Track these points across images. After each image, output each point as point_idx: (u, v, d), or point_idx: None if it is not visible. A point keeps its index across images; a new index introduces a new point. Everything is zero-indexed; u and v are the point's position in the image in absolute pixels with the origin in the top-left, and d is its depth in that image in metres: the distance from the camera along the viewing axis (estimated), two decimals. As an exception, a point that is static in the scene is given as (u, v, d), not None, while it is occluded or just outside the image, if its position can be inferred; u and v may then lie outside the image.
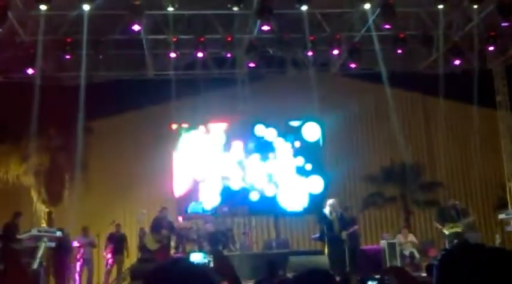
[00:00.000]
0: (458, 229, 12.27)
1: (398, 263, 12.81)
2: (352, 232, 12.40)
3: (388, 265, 12.72)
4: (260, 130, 15.97)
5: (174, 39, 14.00)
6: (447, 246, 12.14)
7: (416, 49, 15.24)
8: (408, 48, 14.81)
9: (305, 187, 15.79)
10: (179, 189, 15.37)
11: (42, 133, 14.88)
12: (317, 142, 16.14)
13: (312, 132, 16.18)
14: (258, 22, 13.21)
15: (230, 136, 15.80)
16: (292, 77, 16.64)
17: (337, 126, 17.80)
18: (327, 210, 12.28)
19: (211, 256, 11.47)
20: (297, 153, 15.97)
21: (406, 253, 13.48)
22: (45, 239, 10.81)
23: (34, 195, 15.88)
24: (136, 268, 12.44)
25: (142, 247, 13.10)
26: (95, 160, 16.17)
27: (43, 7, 11.65)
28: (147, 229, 13.10)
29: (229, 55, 15.17)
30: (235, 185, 15.48)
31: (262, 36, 14.34)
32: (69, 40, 13.44)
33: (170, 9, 12.73)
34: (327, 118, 16.51)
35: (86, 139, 15.24)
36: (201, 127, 15.83)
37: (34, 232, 10.99)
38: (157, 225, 12.57)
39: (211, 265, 10.74)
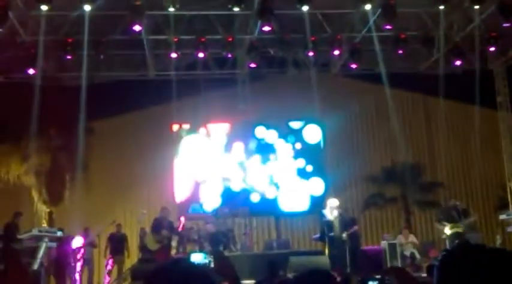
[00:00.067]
0: (459, 230, 12.26)
1: (399, 263, 12.80)
2: (352, 233, 12.39)
3: (388, 265, 12.71)
4: (261, 132, 15.94)
5: (175, 40, 13.99)
6: (448, 247, 12.13)
7: (417, 49, 15.23)
8: (409, 49, 14.80)
9: (306, 189, 15.75)
10: (180, 194, 15.32)
11: (43, 133, 14.89)
12: (318, 144, 16.09)
13: (312, 134, 16.13)
14: (259, 22, 13.21)
15: (231, 138, 15.77)
16: (293, 77, 16.64)
17: (337, 127, 17.79)
18: (327, 211, 12.28)
19: (212, 256, 11.46)
20: (297, 154, 15.93)
21: (407, 253, 13.48)
22: (46, 239, 10.81)
23: (35, 195, 15.90)
24: (137, 268, 12.43)
25: (142, 247, 13.10)
26: (96, 160, 16.18)
27: (44, 7, 11.65)
28: (147, 229, 13.10)
29: (230, 55, 15.17)
30: (236, 186, 15.46)
31: (263, 37, 14.34)
32: (70, 40, 13.45)
33: (171, 9, 12.73)
34: (328, 119, 16.49)
35: (87, 140, 15.26)
36: (202, 130, 15.77)
37: (35, 232, 10.97)
38: (158, 225, 12.56)
39: (212, 265, 10.75)
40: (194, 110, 16.33)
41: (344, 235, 11.96)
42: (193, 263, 1.82)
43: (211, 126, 15.86)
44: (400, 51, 14.54)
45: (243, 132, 15.95)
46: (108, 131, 17.01)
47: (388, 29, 13.65)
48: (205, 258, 11.58)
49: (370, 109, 19.40)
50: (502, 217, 14.24)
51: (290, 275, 9.18)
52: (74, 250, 13.16)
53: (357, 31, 14.50)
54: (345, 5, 13.58)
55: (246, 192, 15.36)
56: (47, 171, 15.81)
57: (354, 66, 15.54)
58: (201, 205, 15.27)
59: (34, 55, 13.21)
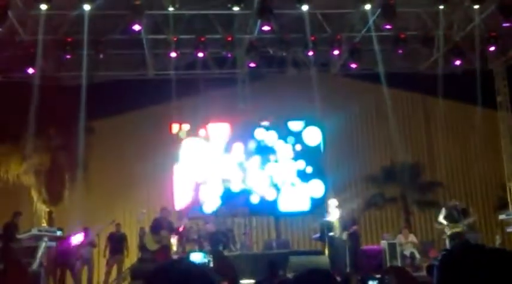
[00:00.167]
0: (459, 230, 12.27)
1: (398, 263, 12.80)
2: (352, 232, 12.40)
3: (388, 265, 12.72)
4: (260, 133, 15.91)
5: (175, 39, 13.99)
6: (448, 246, 12.13)
7: (416, 49, 15.23)
8: (409, 49, 14.80)
9: (306, 191, 15.73)
10: (180, 201, 15.27)
11: (42, 132, 14.88)
12: (318, 146, 16.06)
13: (312, 136, 16.10)
14: (259, 22, 13.21)
15: (231, 138, 15.75)
16: (293, 77, 16.64)
17: (337, 126, 17.78)
18: (329, 211, 12.32)
19: (211, 256, 11.47)
20: (297, 156, 15.91)
21: (407, 253, 13.48)
22: (46, 239, 10.81)
23: (34, 194, 15.89)
24: (136, 267, 12.43)
25: (142, 247, 13.10)
26: (95, 159, 16.18)
27: (43, 6, 11.65)
28: (147, 229, 13.10)
29: (229, 55, 15.17)
30: (236, 187, 15.44)
31: (263, 36, 14.34)
32: (69, 40, 13.44)
33: (170, 9, 12.72)
34: (327, 119, 16.48)
35: (87, 139, 15.26)
36: (201, 131, 15.73)
37: (34, 231, 10.98)
38: (157, 226, 12.55)
39: (211, 265, 10.75)
40: (194, 109, 16.32)
41: (344, 234, 11.97)
42: (193, 263, 1.81)
43: (211, 127, 15.85)
44: (400, 51, 14.54)
45: (242, 132, 15.93)
46: (107, 131, 17.01)
47: (387, 28, 13.65)
48: (204, 258, 11.58)
49: (370, 109, 19.40)
50: (502, 217, 14.26)
51: (290, 275, 9.17)
52: (74, 247, 13.17)
53: (356, 31, 14.51)
54: (345, 4, 13.58)
55: (245, 193, 15.34)
56: (46, 171, 15.81)
57: (353, 65, 15.53)
58: (200, 207, 15.25)
59: (33, 54, 13.19)
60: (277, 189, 15.63)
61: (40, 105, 13.38)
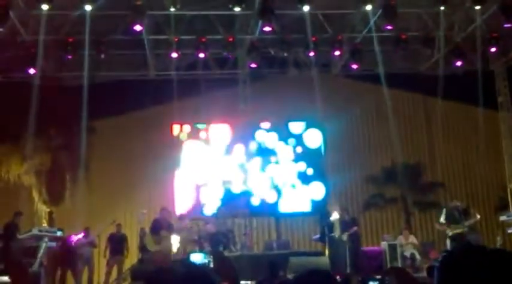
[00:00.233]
0: (460, 231, 12.25)
1: (399, 264, 12.79)
2: (352, 233, 12.40)
3: (388, 266, 12.71)
4: (261, 135, 15.89)
5: (176, 40, 14.00)
6: (449, 247, 12.12)
7: (417, 50, 15.23)
8: (410, 49, 14.80)
9: (307, 193, 15.70)
10: (181, 206, 15.24)
11: (43, 133, 14.89)
12: (319, 149, 16.03)
13: (313, 138, 16.07)
14: (260, 22, 13.21)
15: (232, 140, 15.72)
16: (294, 78, 16.65)
17: (338, 127, 17.77)
18: (330, 212, 12.33)
19: (212, 256, 11.46)
20: (298, 158, 15.88)
21: (407, 254, 13.46)
22: (46, 239, 10.82)
23: (35, 194, 15.90)
24: (137, 268, 12.44)
25: (142, 248, 13.08)
26: (96, 160, 16.18)
27: (45, 7, 11.67)
28: (147, 230, 13.09)
29: (230, 55, 15.17)
30: (237, 189, 15.42)
31: (264, 37, 14.35)
32: (70, 40, 13.46)
33: (172, 9, 12.73)
34: (328, 119, 16.48)
35: (88, 139, 15.26)
36: (202, 133, 15.69)
37: (35, 231, 11.00)
38: (157, 226, 12.53)
39: (211, 265, 10.74)
40: (195, 110, 16.32)
41: (344, 235, 11.96)
42: (193, 263, 1.81)
43: (212, 128, 15.82)
44: (401, 52, 14.54)
45: (243, 133, 15.90)
46: (108, 131, 17.01)
47: (388, 29, 13.65)
48: (205, 258, 11.58)
49: (371, 110, 19.38)
50: (503, 218, 14.24)
51: (290, 276, 9.17)
52: (75, 248, 13.18)
53: (357, 31, 14.51)
54: (346, 5, 13.59)
55: (246, 195, 15.30)
56: (47, 171, 15.82)
57: (354, 66, 15.54)
58: (201, 209, 15.23)
59: (34, 54, 13.20)
60: (278, 191, 15.59)
61: (41, 105, 13.38)
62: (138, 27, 12.69)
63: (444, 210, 13.01)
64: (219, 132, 15.78)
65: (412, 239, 14.12)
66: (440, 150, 19.40)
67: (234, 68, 16.26)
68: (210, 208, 15.11)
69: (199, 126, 15.73)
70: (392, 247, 13.36)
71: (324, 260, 11.94)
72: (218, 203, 15.13)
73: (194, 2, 13.14)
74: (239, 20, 14.10)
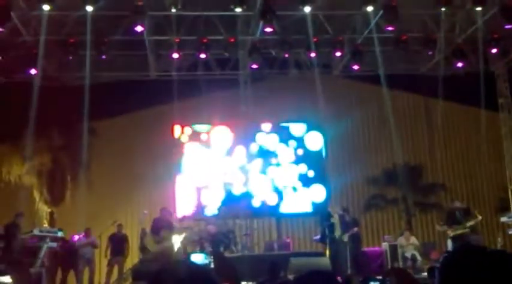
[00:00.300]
0: (462, 231, 12.25)
1: (400, 265, 12.79)
2: (353, 234, 12.40)
3: (389, 267, 12.71)
4: (262, 137, 15.86)
5: (177, 40, 14.00)
6: (450, 248, 12.12)
7: (418, 51, 15.22)
8: (411, 50, 14.80)
9: (308, 195, 15.67)
10: (182, 210, 15.22)
11: (44, 133, 14.90)
12: (320, 151, 16.00)
13: (314, 141, 16.04)
14: (261, 23, 13.21)
15: (232, 141, 15.69)
16: (295, 78, 16.65)
17: (338, 127, 17.80)
18: (332, 213, 12.32)
19: (212, 257, 11.46)
20: (299, 160, 15.85)
21: (408, 255, 13.47)
22: (47, 239, 10.82)
23: (36, 195, 15.92)
24: (138, 268, 12.42)
25: (143, 248, 13.08)
26: (97, 160, 16.20)
27: (46, 7, 11.67)
28: (148, 230, 13.08)
29: (231, 56, 15.17)
30: (238, 190, 15.39)
31: (265, 38, 14.35)
32: (72, 40, 13.45)
33: (173, 10, 12.73)
34: (329, 120, 16.48)
35: (89, 140, 15.25)
36: (203, 136, 15.66)
37: (36, 232, 11.00)
38: (157, 226, 12.53)
39: (212, 266, 10.74)
40: (196, 111, 16.32)
41: (345, 236, 11.96)
42: (194, 264, 1.82)
43: (213, 130, 15.78)
44: (402, 53, 14.53)
45: (244, 135, 15.88)
46: (109, 131, 17.03)
47: (389, 30, 13.64)
48: (205, 259, 11.58)
49: (372, 111, 19.39)
50: (503, 219, 14.22)
51: (291, 277, 9.16)
52: (76, 248, 13.20)
53: (358, 32, 14.51)
54: (347, 6, 13.58)
55: (247, 197, 15.27)
56: (48, 171, 15.84)
57: (355, 67, 15.54)
58: (202, 210, 15.21)
59: (35, 55, 13.21)
60: (279, 193, 15.55)
61: (42, 106, 13.38)
62: (139, 28, 12.68)
63: (448, 211, 12.98)
64: (220, 134, 15.76)
65: (413, 240, 14.12)
66: (441, 151, 19.41)
67: (235, 69, 16.26)
68: (211, 209, 15.10)
69: (201, 128, 15.71)
70: (393, 248, 13.37)
71: (325, 261, 11.92)
72: (219, 205, 15.11)
73: (195, 3, 13.14)
74: (240, 21, 14.09)
